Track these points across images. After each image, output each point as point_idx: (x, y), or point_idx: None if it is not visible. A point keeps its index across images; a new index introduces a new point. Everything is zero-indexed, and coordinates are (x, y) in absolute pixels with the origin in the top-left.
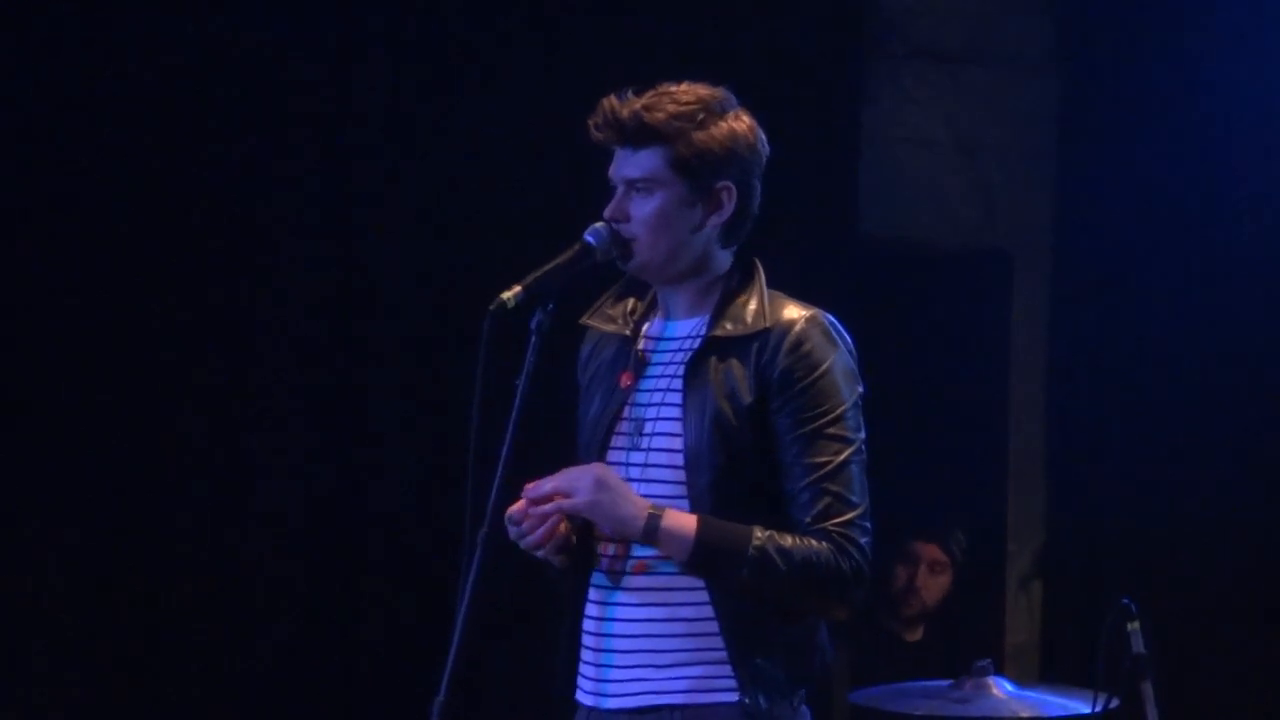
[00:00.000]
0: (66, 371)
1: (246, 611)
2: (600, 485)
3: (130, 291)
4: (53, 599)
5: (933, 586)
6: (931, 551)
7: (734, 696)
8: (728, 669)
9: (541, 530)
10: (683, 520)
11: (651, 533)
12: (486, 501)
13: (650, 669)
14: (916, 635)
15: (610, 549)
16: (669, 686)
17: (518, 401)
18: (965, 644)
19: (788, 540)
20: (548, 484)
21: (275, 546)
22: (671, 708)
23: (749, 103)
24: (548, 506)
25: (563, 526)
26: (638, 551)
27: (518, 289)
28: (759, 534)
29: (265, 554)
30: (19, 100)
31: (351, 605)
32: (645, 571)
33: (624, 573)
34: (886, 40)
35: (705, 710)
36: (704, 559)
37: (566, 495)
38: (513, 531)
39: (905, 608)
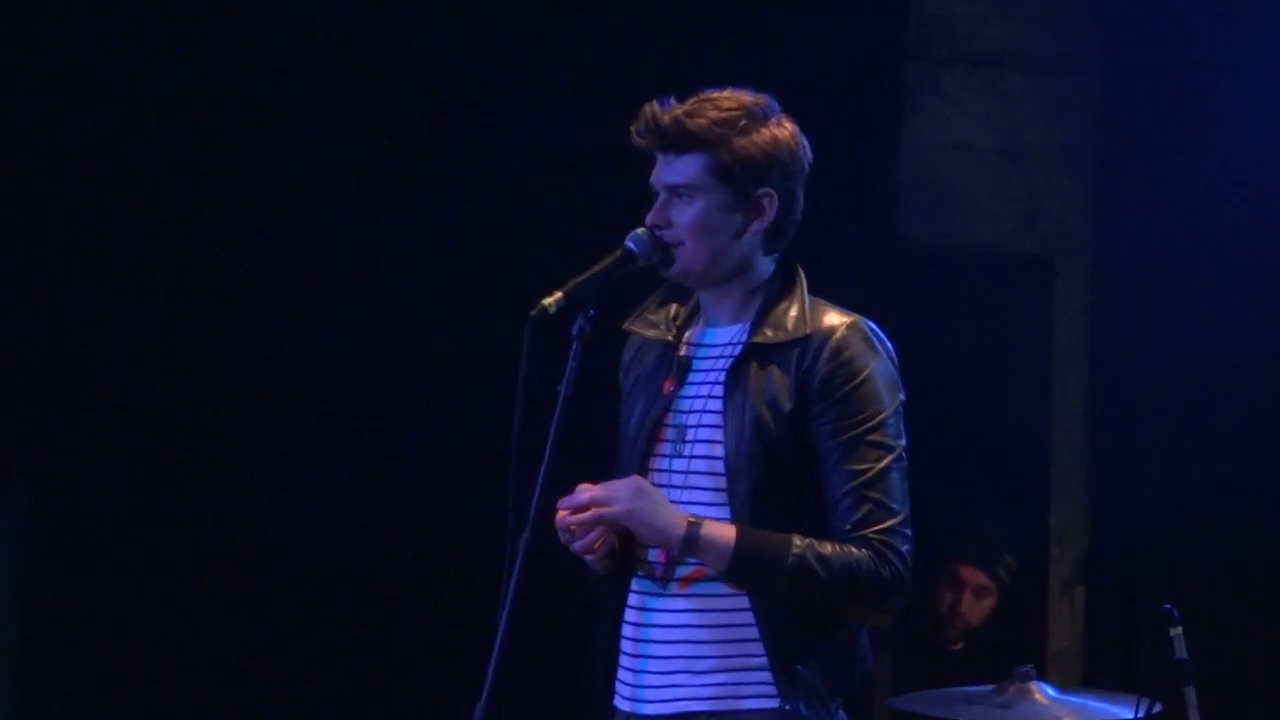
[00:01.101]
0: (108, 377)
1: (287, 615)
2: (639, 493)
3: (161, 296)
4: (95, 602)
5: (976, 610)
6: (976, 576)
7: (770, 703)
8: (765, 675)
9: (592, 535)
10: (722, 530)
11: (691, 542)
12: (528, 507)
13: (687, 674)
14: (959, 645)
15: (650, 555)
16: (705, 693)
17: (559, 407)
18: (1007, 649)
19: (827, 548)
20: (584, 495)
21: (315, 549)
22: (709, 714)
23: (790, 109)
24: (586, 516)
25: (606, 534)
26: (686, 562)
27: (559, 295)
28: (798, 542)
29: (304, 557)
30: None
31: (390, 611)
32: (691, 580)
33: (663, 579)
34: (928, 45)
35: (742, 716)
36: (743, 568)
37: (605, 505)
38: (564, 535)
39: (949, 629)
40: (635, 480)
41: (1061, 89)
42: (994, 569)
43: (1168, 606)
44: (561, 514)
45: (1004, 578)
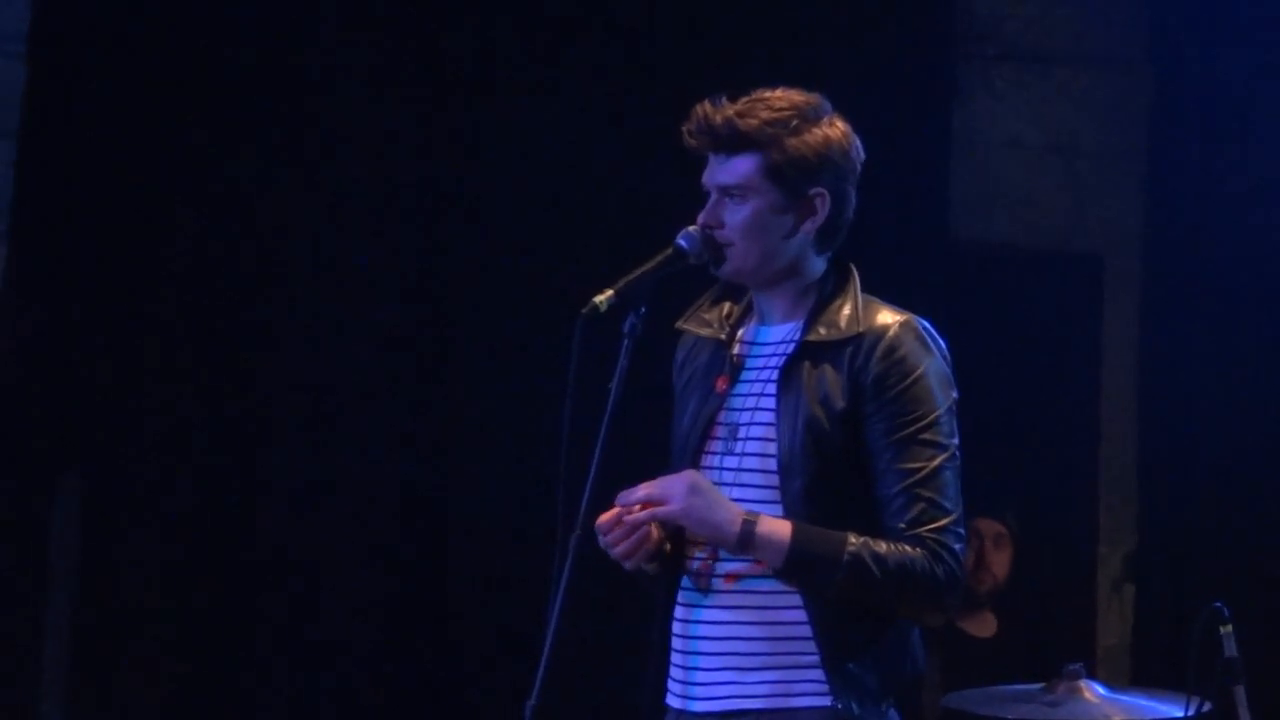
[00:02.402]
0: (159, 365)
1: (337, 615)
2: (694, 490)
3: (212, 279)
4: (146, 590)
5: (999, 561)
6: (992, 526)
7: (822, 701)
8: (817, 673)
9: (628, 543)
10: (777, 526)
11: (746, 539)
12: (579, 506)
13: (736, 671)
14: (987, 631)
15: (700, 552)
16: (757, 690)
17: (610, 405)
18: (1056, 647)
19: (882, 546)
20: (640, 491)
21: (366, 549)
22: (759, 712)
23: (841, 107)
24: (641, 515)
25: (655, 534)
26: (727, 559)
27: (609, 293)
28: (853, 540)
29: (356, 557)
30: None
31: (442, 609)
32: (735, 577)
33: (713, 575)
34: (978, 42)
35: (793, 714)
36: (798, 565)
37: (659, 503)
38: (601, 541)
39: (978, 585)
40: (690, 477)
41: (1112, 86)
42: (1004, 518)
43: (1217, 604)
44: (609, 514)
45: (1014, 527)
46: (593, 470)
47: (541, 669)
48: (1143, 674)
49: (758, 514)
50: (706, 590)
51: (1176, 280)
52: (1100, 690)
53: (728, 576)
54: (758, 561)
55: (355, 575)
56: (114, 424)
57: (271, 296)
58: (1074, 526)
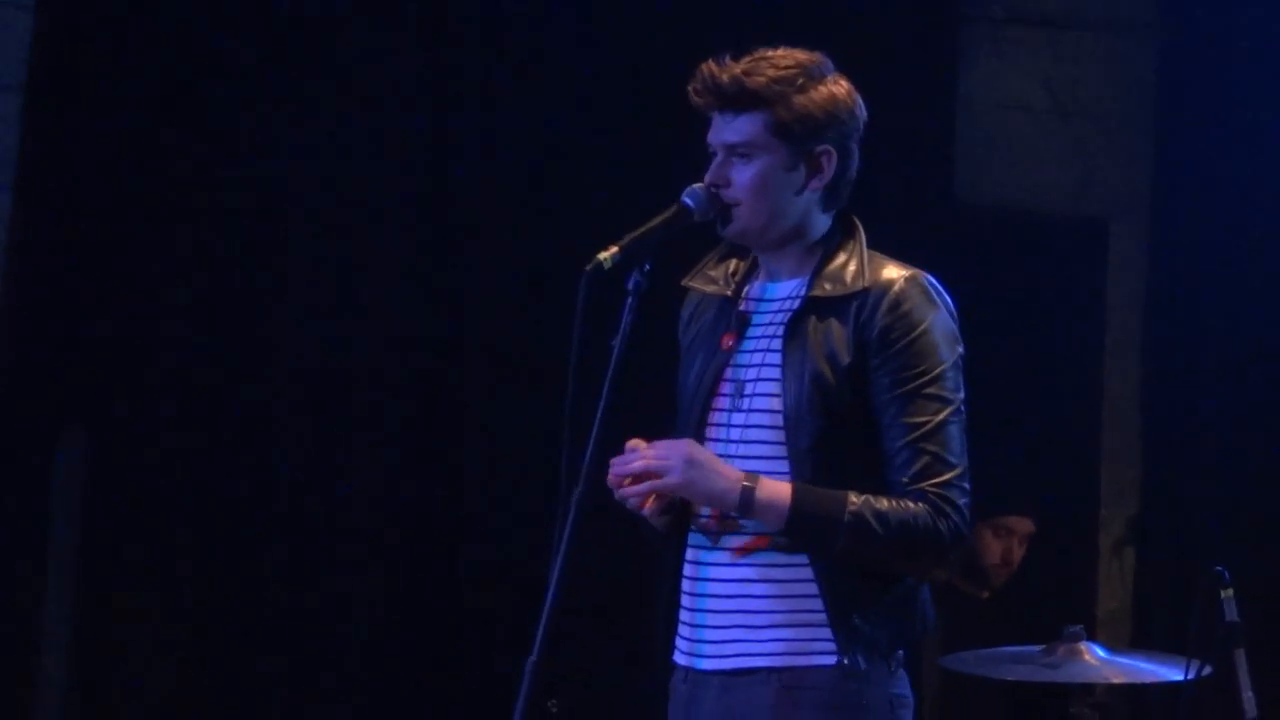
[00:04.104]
0: (165, 322)
1: (344, 569)
2: (691, 463)
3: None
4: (150, 548)
5: (1019, 558)
6: (1025, 525)
7: (831, 659)
8: (825, 631)
9: (637, 499)
10: (777, 490)
11: (746, 505)
12: (582, 462)
13: (745, 629)
14: (985, 593)
15: (707, 511)
16: (764, 649)
17: (614, 362)
18: (1057, 609)
19: (884, 504)
20: (638, 463)
21: (375, 498)
22: (768, 670)
23: (845, 68)
24: (641, 487)
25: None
26: (733, 533)
27: (614, 249)
28: (854, 499)
29: (364, 509)
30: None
31: (448, 566)
32: (743, 551)
33: (720, 533)
34: (984, 4)
35: (802, 673)
36: (800, 527)
37: (658, 475)
38: (617, 494)
39: (996, 580)
40: (686, 447)
41: (1118, 49)
42: (1036, 517)
43: (1219, 569)
44: (614, 475)
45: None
46: (596, 426)
47: (543, 626)
48: (1143, 637)
49: (757, 477)
50: (714, 546)
51: (1182, 243)
52: (1100, 653)
53: (736, 550)
54: (763, 535)
55: (363, 530)
56: (118, 377)
57: (280, 248)
58: (1076, 489)
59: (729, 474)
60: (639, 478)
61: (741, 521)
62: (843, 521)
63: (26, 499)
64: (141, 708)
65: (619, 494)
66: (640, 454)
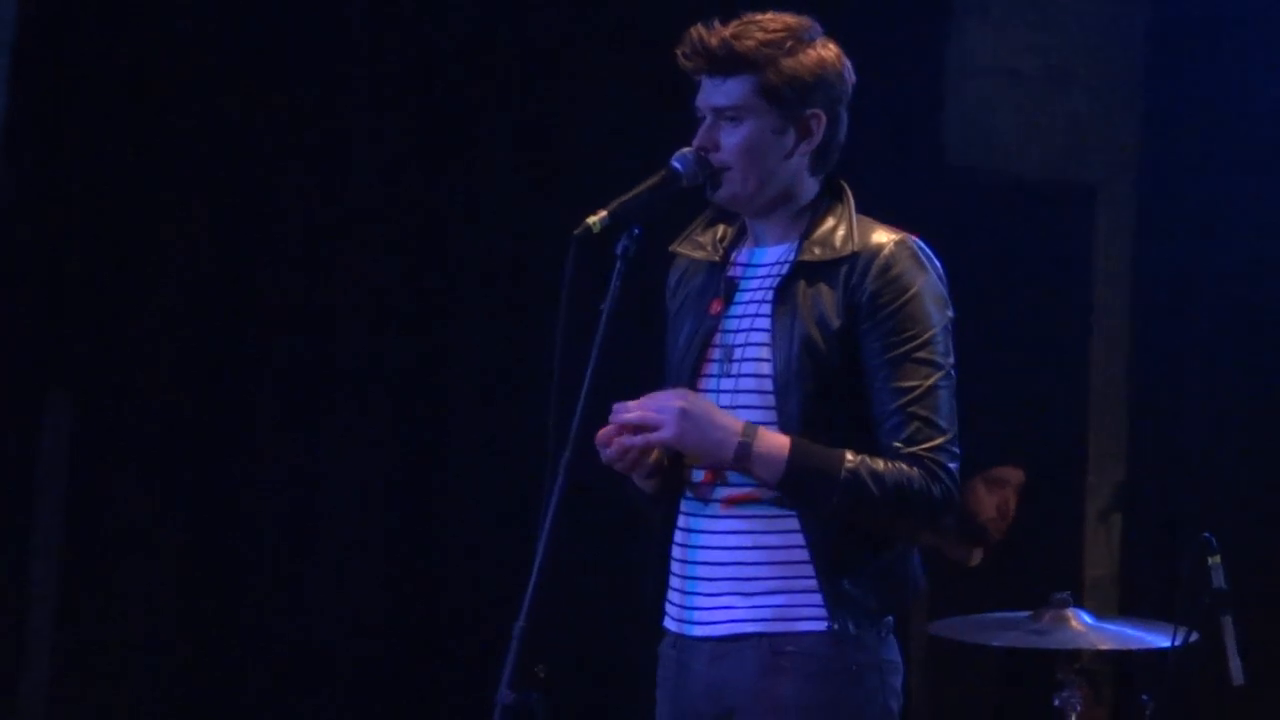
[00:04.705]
0: (153, 288)
1: (331, 544)
2: (685, 415)
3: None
4: (134, 514)
5: (1014, 508)
6: (1018, 475)
7: (822, 625)
8: (816, 597)
9: (624, 462)
10: (774, 442)
11: (743, 458)
12: (570, 427)
13: (737, 596)
14: (976, 560)
15: (698, 475)
16: (755, 615)
17: (602, 326)
18: (1044, 576)
19: (880, 464)
20: (634, 413)
21: (362, 471)
22: (759, 636)
23: (833, 32)
24: (635, 439)
25: (655, 453)
26: (725, 485)
27: (603, 213)
28: (851, 457)
29: (352, 481)
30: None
31: (436, 521)
32: (732, 501)
33: (711, 500)
34: None
35: (792, 639)
36: (796, 482)
37: (654, 427)
38: (603, 455)
39: (995, 533)
40: (682, 399)
41: (1109, 13)
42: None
43: (1206, 535)
44: (608, 428)
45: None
46: (584, 391)
47: (530, 590)
48: (1130, 604)
49: (756, 428)
50: (704, 512)
51: (1172, 209)
52: (1087, 619)
53: (725, 501)
54: (755, 488)
55: (351, 501)
56: (105, 341)
57: (272, 213)
58: (1063, 455)
59: (726, 425)
60: (635, 430)
61: (732, 477)
62: (839, 479)
63: (12, 463)
64: (129, 668)
65: (606, 455)
66: (635, 405)
